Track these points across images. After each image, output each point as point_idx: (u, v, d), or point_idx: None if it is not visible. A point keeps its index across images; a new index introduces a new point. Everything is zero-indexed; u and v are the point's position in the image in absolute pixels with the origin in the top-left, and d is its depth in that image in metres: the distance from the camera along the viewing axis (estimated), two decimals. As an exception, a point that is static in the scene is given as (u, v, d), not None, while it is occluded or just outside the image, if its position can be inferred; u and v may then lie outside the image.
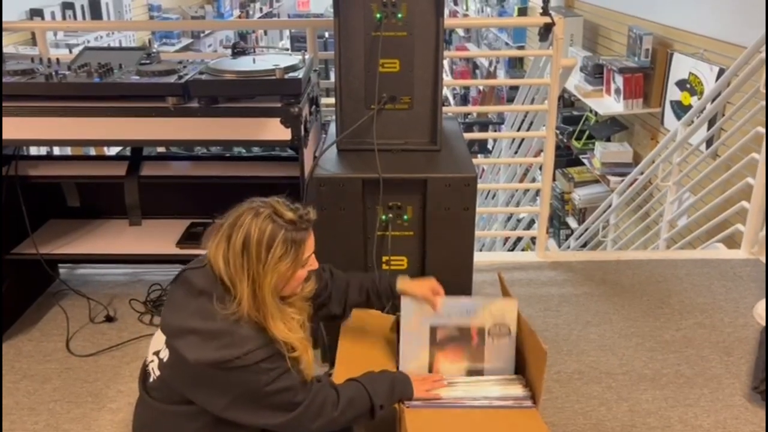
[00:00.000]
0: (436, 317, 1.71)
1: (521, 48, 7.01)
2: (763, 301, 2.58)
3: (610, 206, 4.58)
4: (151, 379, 1.49)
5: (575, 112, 5.45)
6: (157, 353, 1.47)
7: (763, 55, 3.00)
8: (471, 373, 1.73)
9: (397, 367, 1.73)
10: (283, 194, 1.48)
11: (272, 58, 2.25)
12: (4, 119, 2.06)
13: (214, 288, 1.40)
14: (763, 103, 2.97)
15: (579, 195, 5.21)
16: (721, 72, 3.65)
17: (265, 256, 1.38)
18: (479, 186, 2.13)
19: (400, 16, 2.14)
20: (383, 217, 2.08)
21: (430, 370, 1.73)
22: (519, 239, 5.21)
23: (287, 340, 1.40)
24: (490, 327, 1.72)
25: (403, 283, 1.72)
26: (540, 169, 3.44)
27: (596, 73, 4.84)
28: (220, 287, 1.40)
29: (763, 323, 2.47)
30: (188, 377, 1.39)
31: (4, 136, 2.08)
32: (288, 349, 1.41)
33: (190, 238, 2.47)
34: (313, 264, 1.51)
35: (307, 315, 1.55)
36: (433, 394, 1.62)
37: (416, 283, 1.72)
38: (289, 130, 2.04)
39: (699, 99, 3.88)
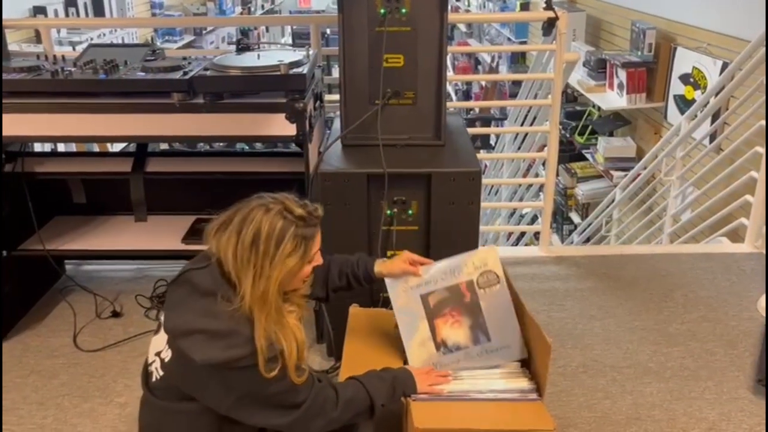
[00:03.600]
0: (423, 285, 1.73)
1: (523, 44, 7.00)
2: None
3: (613, 201, 4.58)
4: (153, 379, 1.49)
5: (578, 107, 5.45)
6: (158, 354, 1.47)
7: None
8: (474, 329, 1.72)
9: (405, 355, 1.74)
10: (290, 190, 1.48)
11: (276, 54, 2.26)
12: (10, 116, 2.07)
13: (219, 287, 1.40)
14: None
15: (582, 190, 5.21)
16: (724, 66, 3.65)
17: (274, 252, 1.38)
18: (483, 181, 2.14)
19: (404, 11, 2.14)
20: (388, 211, 2.09)
21: (435, 341, 1.73)
22: (522, 234, 5.21)
23: (265, 343, 1.37)
24: (478, 278, 1.73)
25: (379, 266, 1.74)
26: (543, 164, 3.45)
27: (599, 68, 4.83)
28: (226, 285, 1.40)
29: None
30: (194, 377, 1.40)
31: (10, 133, 2.09)
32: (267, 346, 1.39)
33: (196, 234, 2.48)
34: (318, 260, 1.51)
35: (303, 310, 1.55)
36: (437, 389, 1.62)
37: (391, 263, 1.74)
38: (294, 125, 2.05)
39: (702, 93, 3.87)
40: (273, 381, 1.38)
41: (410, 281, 1.73)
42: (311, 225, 1.44)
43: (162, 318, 1.49)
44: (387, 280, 1.74)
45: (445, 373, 1.68)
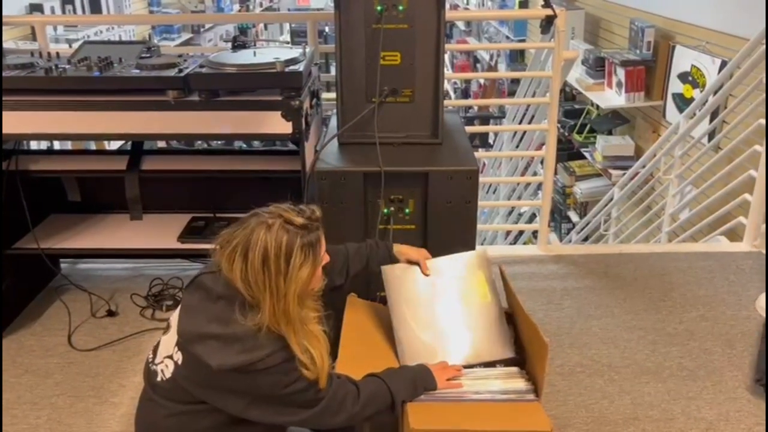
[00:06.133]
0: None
1: (522, 42, 6.99)
2: (765, 294, 2.58)
3: (611, 200, 4.57)
4: (158, 379, 1.48)
5: (576, 106, 5.44)
6: (169, 356, 1.46)
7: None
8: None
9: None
10: (285, 200, 1.47)
11: (273, 51, 2.24)
12: (4, 113, 2.05)
13: (233, 294, 1.40)
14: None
15: (580, 189, 5.20)
16: (723, 64, 3.64)
17: (285, 268, 1.37)
18: (481, 180, 2.13)
19: (401, 8, 2.12)
20: (385, 210, 2.08)
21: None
22: (521, 233, 5.20)
23: (305, 355, 1.41)
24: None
25: (399, 247, 1.83)
26: (541, 162, 3.44)
27: (598, 66, 4.82)
28: (240, 296, 1.40)
29: (765, 315, 2.47)
30: (207, 381, 1.40)
31: (4, 130, 2.07)
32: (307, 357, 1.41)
33: (192, 232, 2.47)
34: (326, 258, 1.52)
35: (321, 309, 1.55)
36: (455, 383, 1.62)
37: (409, 248, 1.84)
38: (290, 123, 2.04)
39: (701, 91, 3.86)
40: (291, 382, 1.39)
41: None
42: (314, 230, 1.43)
43: (171, 319, 1.50)
44: (385, 268, 1.79)
45: (458, 368, 1.67)
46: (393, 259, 1.81)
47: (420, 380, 1.59)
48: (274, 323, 1.38)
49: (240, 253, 1.37)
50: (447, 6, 2.20)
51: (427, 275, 1.80)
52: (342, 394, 1.47)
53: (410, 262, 1.82)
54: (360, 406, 1.48)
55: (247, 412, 1.41)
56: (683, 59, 4.12)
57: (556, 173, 5.17)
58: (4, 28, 2.64)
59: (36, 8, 5.22)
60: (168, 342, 1.47)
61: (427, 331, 1.75)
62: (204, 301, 1.43)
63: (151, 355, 1.54)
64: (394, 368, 1.62)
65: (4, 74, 2.05)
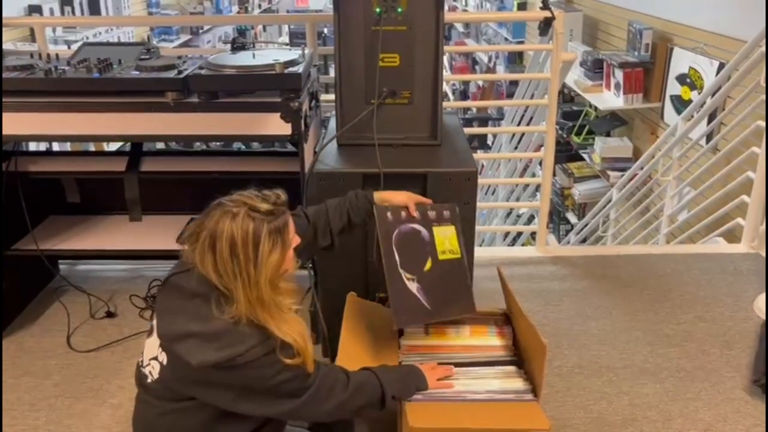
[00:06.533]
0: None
1: (521, 44, 7.00)
2: (763, 295, 2.58)
3: (610, 201, 4.58)
4: (149, 380, 1.49)
5: (575, 107, 5.45)
6: (155, 357, 1.46)
7: (764, 48, 2.99)
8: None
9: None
10: (246, 187, 1.46)
11: (272, 53, 2.25)
12: (4, 115, 2.05)
13: (208, 290, 1.39)
14: (764, 97, 2.97)
15: (579, 190, 5.20)
16: (721, 66, 3.65)
17: (254, 256, 1.36)
18: (479, 181, 2.13)
19: (400, 10, 2.13)
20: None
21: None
22: (519, 234, 5.21)
23: (287, 338, 1.40)
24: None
25: (380, 194, 1.77)
26: (540, 164, 3.44)
27: (596, 68, 4.83)
28: (215, 291, 1.39)
29: (764, 317, 2.48)
30: (192, 379, 1.40)
31: (3, 132, 2.07)
32: (288, 343, 1.41)
33: (191, 233, 2.47)
34: (296, 241, 1.50)
35: (298, 293, 1.54)
36: (446, 383, 1.62)
37: (392, 193, 1.78)
38: (290, 124, 2.04)
39: (699, 93, 3.87)
40: (275, 372, 1.38)
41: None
42: (280, 214, 1.42)
43: (154, 322, 1.49)
44: (377, 208, 1.74)
45: (449, 368, 1.67)
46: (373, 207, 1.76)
47: (411, 379, 1.59)
48: (251, 311, 1.37)
49: (208, 245, 1.37)
50: (446, 8, 2.20)
51: (414, 217, 1.77)
52: (331, 381, 1.46)
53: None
54: (349, 393, 1.48)
55: (236, 406, 1.41)
56: (681, 61, 4.13)
57: (554, 175, 5.17)
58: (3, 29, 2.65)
59: (35, 10, 5.22)
60: (152, 344, 1.47)
61: (412, 281, 1.73)
62: (179, 301, 1.43)
63: (140, 358, 1.55)
64: (386, 365, 1.62)
65: (4, 76, 2.06)
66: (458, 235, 1.81)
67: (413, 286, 1.72)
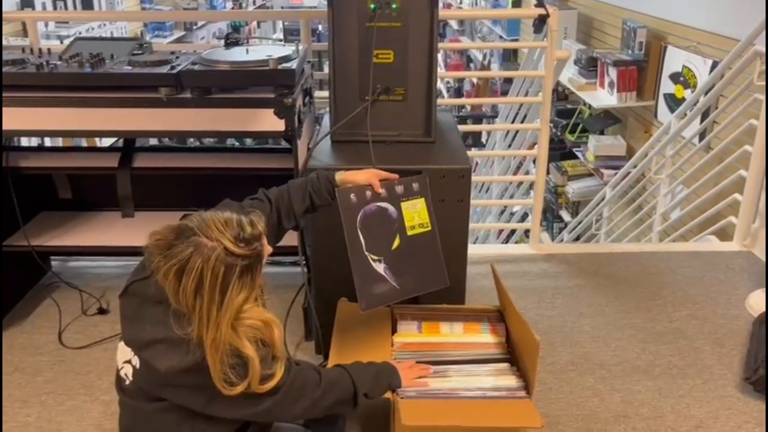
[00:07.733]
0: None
1: (515, 41, 7.00)
2: (756, 293, 2.60)
3: (603, 199, 4.59)
4: (126, 383, 1.48)
5: (569, 105, 5.46)
6: (128, 361, 1.45)
7: (757, 47, 3.00)
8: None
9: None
10: (230, 208, 1.42)
11: (265, 48, 2.24)
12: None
13: (168, 299, 1.35)
14: (756, 95, 2.98)
15: (572, 188, 5.22)
16: (714, 65, 3.66)
17: (220, 300, 1.31)
18: (473, 179, 2.13)
19: (394, 6, 2.12)
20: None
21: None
22: (513, 232, 5.21)
23: (248, 351, 1.34)
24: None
25: (342, 175, 1.73)
26: (534, 162, 3.45)
27: (590, 66, 4.84)
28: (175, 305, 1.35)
29: (755, 314, 2.49)
30: (163, 383, 1.39)
31: (-5, 127, 2.06)
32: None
33: (183, 230, 2.46)
34: (260, 280, 1.42)
35: (263, 296, 1.49)
36: (422, 381, 1.62)
37: (354, 173, 1.74)
38: (283, 121, 2.03)
39: (692, 92, 3.88)
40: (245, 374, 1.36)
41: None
42: (255, 255, 1.36)
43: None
44: (339, 192, 1.70)
45: (425, 366, 1.68)
46: (336, 188, 1.72)
47: (384, 376, 1.58)
48: (203, 349, 1.31)
49: (174, 274, 1.30)
50: (440, 5, 2.20)
51: (379, 194, 1.74)
52: (302, 380, 1.45)
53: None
54: (321, 391, 1.47)
55: (208, 408, 1.39)
56: (675, 60, 4.15)
57: (548, 172, 5.18)
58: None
59: (27, 4, 5.19)
60: (124, 348, 1.46)
61: (378, 262, 1.72)
62: (143, 308, 1.40)
63: (117, 364, 1.53)
64: (360, 362, 1.61)
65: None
66: (428, 206, 1.78)
67: (380, 267, 1.71)
